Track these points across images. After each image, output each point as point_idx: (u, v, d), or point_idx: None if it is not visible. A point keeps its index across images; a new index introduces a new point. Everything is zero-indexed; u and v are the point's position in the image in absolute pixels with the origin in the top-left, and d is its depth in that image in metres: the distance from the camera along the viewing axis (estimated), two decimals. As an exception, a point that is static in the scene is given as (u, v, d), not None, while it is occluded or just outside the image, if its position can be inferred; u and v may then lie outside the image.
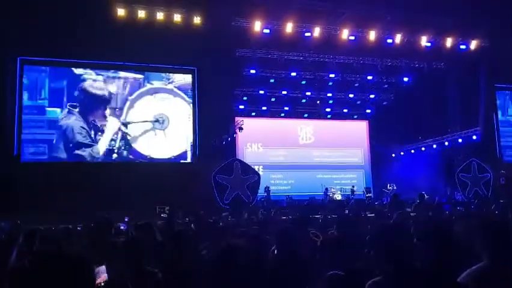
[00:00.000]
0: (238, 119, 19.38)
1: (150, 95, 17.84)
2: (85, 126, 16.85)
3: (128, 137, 17.52)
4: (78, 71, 17.22)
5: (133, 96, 17.79)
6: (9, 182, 14.14)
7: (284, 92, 21.78)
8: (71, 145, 16.69)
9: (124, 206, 12.56)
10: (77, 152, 16.71)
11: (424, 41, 18.57)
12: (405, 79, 21.31)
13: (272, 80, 20.70)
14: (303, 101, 22.69)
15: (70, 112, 16.78)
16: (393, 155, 23.31)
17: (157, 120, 17.70)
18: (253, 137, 22.01)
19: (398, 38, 18.24)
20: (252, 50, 19.08)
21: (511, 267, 2.59)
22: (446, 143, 21.27)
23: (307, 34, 17.71)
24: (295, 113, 23.07)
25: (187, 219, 10.06)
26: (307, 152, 23.27)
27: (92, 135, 16.95)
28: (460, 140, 20.67)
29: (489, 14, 16.41)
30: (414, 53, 19.40)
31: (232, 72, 18.00)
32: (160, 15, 16.07)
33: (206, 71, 17.46)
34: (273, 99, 22.20)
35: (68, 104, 16.80)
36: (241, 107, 21.70)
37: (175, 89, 18.22)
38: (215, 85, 16.69)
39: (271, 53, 19.52)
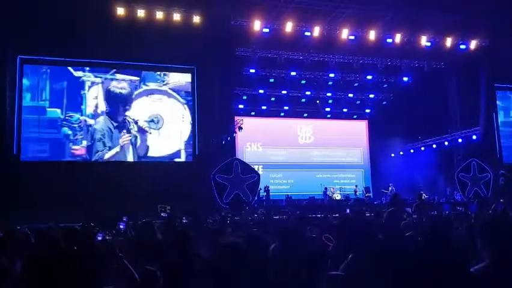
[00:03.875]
0: (237, 118, 19.36)
1: (146, 96, 18.16)
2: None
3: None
4: (77, 73, 17.33)
5: (132, 97, 18.08)
6: (9, 181, 14.12)
7: (284, 92, 21.79)
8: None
9: (123, 205, 12.53)
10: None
11: (424, 41, 18.53)
12: (405, 79, 21.31)
13: (272, 80, 20.70)
14: (303, 100, 22.69)
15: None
16: (393, 154, 23.30)
17: (152, 120, 18.04)
18: (253, 137, 22.02)
19: (397, 38, 18.21)
20: (251, 50, 19.06)
21: (511, 267, 2.59)
22: (446, 143, 21.27)
23: (307, 33, 17.67)
24: (295, 112, 23.07)
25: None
26: (306, 151, 23.28)
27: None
28: (460, 140, 20.68)
29: (489, 14, 16.39)
30: (414, 52, 19.38)
31: (232, 72, 17.98)
32: (159, 15, 16.07)
33: (205, 70, 17.44)
34: (272, 99, 22.20)
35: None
36: (241, 106, 21.70)
37: (170, 91, 18.39)
38: (214, 84, 16.68)
39: (271, 53, 19.50)
